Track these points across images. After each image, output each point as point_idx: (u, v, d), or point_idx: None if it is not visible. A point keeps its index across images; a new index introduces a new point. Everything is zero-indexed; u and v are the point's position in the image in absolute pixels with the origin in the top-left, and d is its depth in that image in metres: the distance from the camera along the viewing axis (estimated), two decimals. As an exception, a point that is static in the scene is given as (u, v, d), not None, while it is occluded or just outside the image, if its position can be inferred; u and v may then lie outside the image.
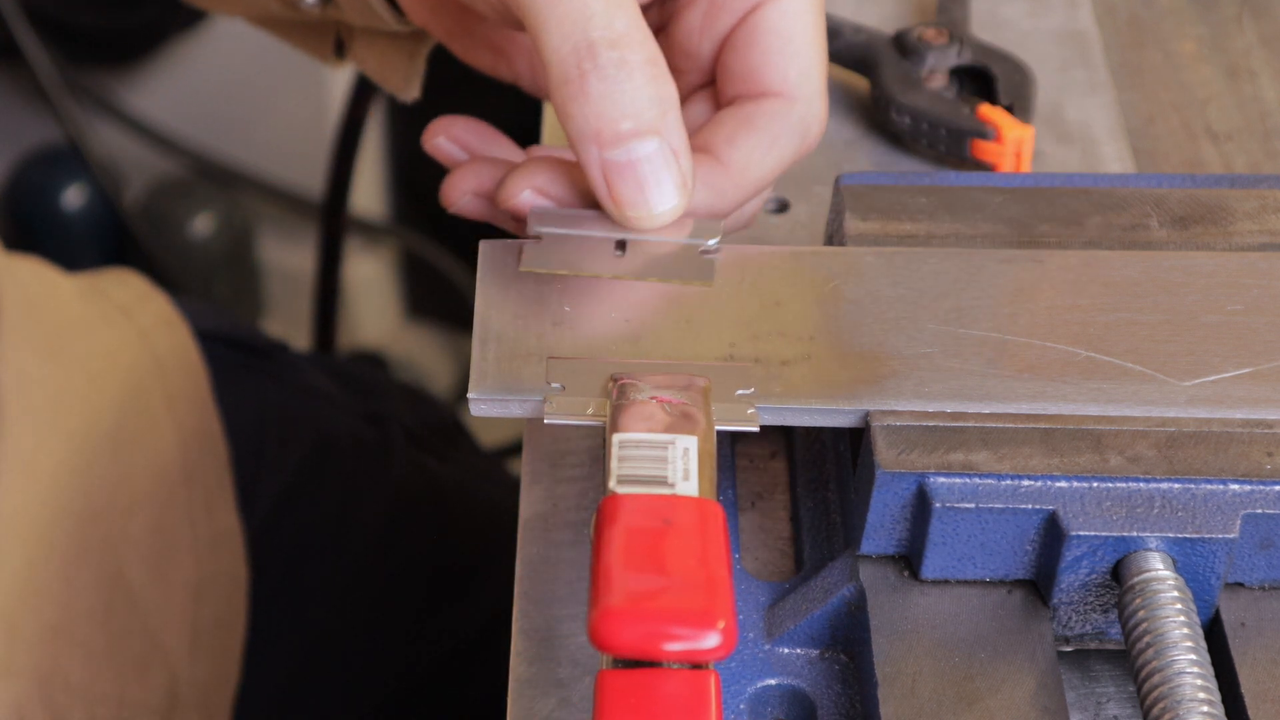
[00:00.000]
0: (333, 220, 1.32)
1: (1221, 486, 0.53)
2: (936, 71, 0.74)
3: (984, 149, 0.71)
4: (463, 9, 0.63)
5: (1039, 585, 0.54)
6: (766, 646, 0.55)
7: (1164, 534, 0.52)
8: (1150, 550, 0.52)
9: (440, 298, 1.78)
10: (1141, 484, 0.53)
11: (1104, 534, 0.52)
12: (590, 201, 0.58)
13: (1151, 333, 0.57)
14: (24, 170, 1.69)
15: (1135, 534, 0.52)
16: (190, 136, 1.72)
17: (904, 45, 0.74)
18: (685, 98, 0.62)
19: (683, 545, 0.49)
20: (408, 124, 1.71)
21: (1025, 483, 0.53)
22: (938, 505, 0.53)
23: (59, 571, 0.77)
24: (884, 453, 0.53)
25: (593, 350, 0.56)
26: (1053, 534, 0.53)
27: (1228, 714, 0.51)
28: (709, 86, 0.63)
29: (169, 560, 0.82)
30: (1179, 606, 0.51)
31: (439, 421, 1.04)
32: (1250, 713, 0.52)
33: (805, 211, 0.72)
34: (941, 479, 0.53)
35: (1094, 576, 0.53)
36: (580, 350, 0.56)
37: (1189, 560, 0.52)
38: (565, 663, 0.58)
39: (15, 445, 0.77)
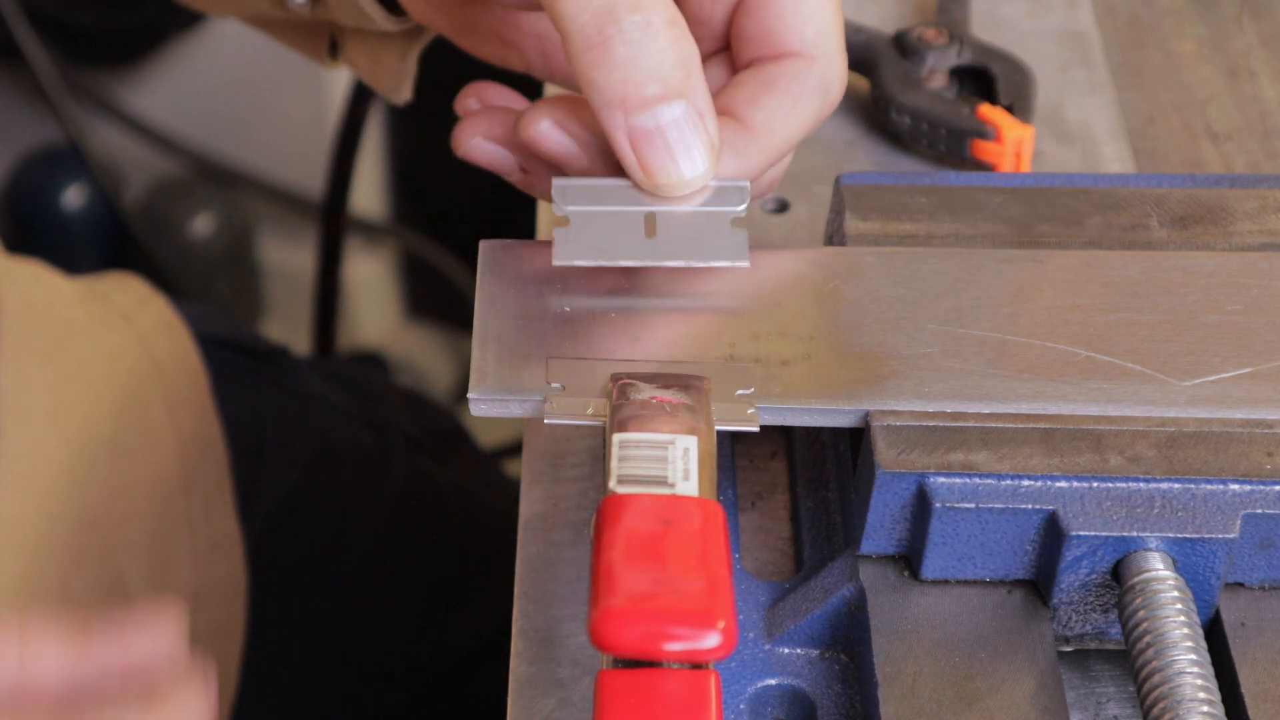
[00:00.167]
0: (333, 220, 1.32)
1: (1221, 486, 0.53)
2: (936, 71, 0.74)
3: (984, 149, 0.71)
4: (466, 1, 0.63)
5: (1039, 585, 0.54)
6: (766, 646, 0.55)
7: (1164, 534, 0.52)
8: (1150, 550, 0.52)
9: (440, 298, 1.78)
10: (1141, 484, 0.53)
11: (1104, 534, 0.52)
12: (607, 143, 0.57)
13: (1151, 333, 0.57)
14: (24, 170, 1.68)
15: (1135, 534, 0.52)
16: (190, 136, 1.72)
17: (904, 45, 0.74)
18: None
19: (683, 545, 0.49)
20: (408, 124, 1.71)
21: (1025, 483, 0.53)
22: (938, 505, 0.52)
23: (57, 577, 0.76)
24: (884, 453, 0.53)
25: (593, 350, 0.56)
26: (1053, 534, 0.53)
27: (1228, 714, 0.51)
28: (722, 52, 0.62)
29: (168, 566, 0.82)
30: (1179, 606, 0.51)
31: (439, 426, 1.04)
32: (1250, 713, 0.52)
33: (805, 211, 0.72)
34: (941, 479, 0.53)
35: (1094, 576, 0.53)
36: (580, 350, 0.56)
37: (1189, 560, 0.52)
38: (565, 663, 0.58)
39: (13, 450, 0.77)
